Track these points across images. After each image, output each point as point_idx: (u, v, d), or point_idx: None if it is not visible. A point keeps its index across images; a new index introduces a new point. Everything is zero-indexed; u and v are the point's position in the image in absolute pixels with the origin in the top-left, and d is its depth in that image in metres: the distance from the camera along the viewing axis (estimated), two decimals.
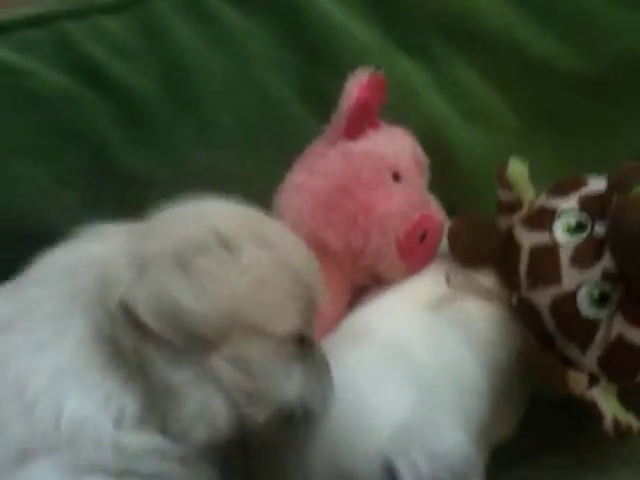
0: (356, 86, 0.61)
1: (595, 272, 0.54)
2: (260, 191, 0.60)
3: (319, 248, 0.59)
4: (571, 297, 0.55)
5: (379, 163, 0.62)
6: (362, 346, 0.54)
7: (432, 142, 0.68)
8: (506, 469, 0.57)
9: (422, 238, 0.61)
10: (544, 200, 0.59)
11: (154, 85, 0.68)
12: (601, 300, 0.54)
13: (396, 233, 0.61)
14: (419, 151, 0.66)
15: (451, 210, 0.66)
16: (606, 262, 0.54)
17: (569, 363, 0.58)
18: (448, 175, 0.70)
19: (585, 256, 0.55)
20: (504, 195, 0.61)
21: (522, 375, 0.59)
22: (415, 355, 0.54)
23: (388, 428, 0.48)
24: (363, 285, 0.63)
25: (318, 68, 0.70)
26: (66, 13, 0.68)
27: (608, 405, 0.55)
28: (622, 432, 0.54)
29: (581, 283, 0.54)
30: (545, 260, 0.56)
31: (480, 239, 0.61)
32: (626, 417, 0.55)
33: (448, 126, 0.73)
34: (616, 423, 0.54)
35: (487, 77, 0.74)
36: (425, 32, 0.73)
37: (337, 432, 0.49)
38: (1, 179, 0.66)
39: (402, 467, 0.45)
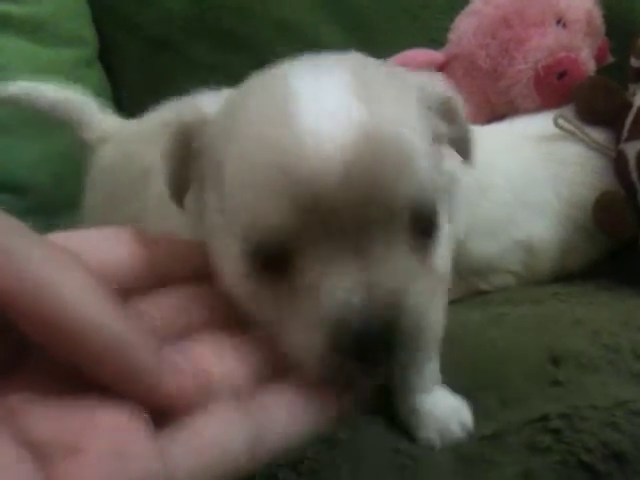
0: None
1: None
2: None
3: (470, 65, 0.72)
4: None
5: (546, 6, 0.71)
6: None
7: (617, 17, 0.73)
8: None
9: (561, 76, 0.69)
10: None
11: None
12: None
13: (537, 64, 0.70)
14: (596, 14, 0.73)
15: None
16: None
17: None
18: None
19: None
20: (634, 63, 0.66)
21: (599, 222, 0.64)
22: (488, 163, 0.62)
23: None
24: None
25: None
26: None
27: None
28: None
29: None
30: None
31: (602, 99, 0.67)
32: None
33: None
34: None
35: None
36: None
37: None
38: None
39: None
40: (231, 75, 0.87)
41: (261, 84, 0.32)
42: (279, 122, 0.29)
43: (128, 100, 0.84)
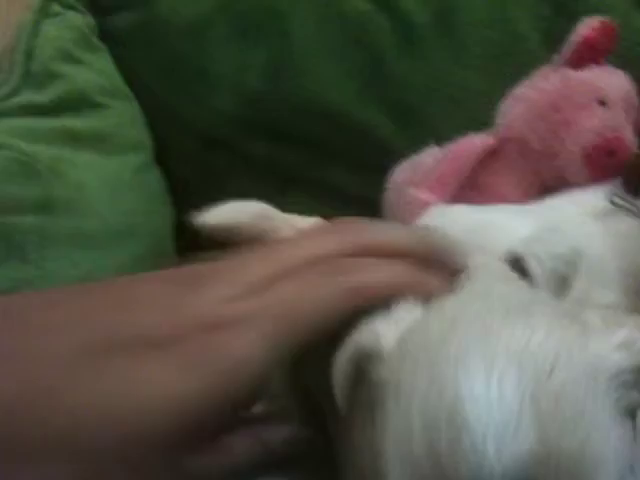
0: (586, 27, 0.76)
1: None
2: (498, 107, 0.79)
3: (522, 147, 0.77)
4: None
5: (590, 89, 0.76)
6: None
7: None
8: None
9: (610, 155, 0.75)
10: None
11: (427, 13, 0.87)
12: None
13: (588, 145, 0.75)
14: (632, 93, 0.78)
15: None
16: None
17: None
18: None
19: None
20: None
21: None
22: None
23: (517, 238, 0.58)
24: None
25: (562, 17, 0.83)
26: None
27: None
28: None
29: None
30: None
31: None
32: None
33: None
34: None
35: None
36: None
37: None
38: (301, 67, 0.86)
39: (530, 260, 0.53)
40: (287, 169, 0.91)
41: (432, 346, 0.31)
42: (444, 423, 0.28)
43: (184, 201, 0.86)
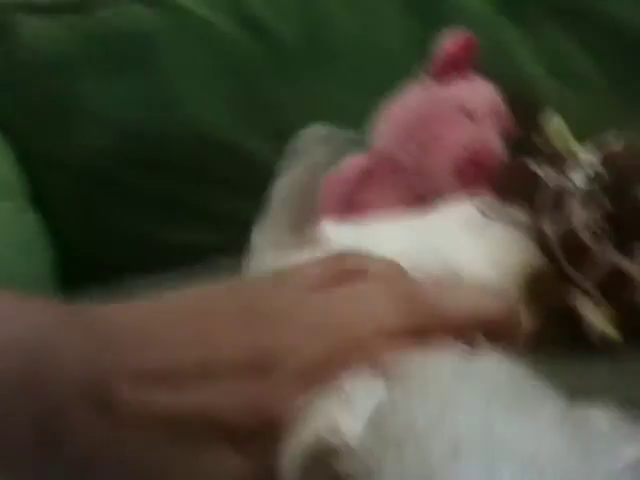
0: (448, 42, 0.77)
1: (597, 212, 0.65)
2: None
3: (395, 165, 0.77)
4: (576, 230, 0.65)
5: (456, 104, 0.77)
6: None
7: (523, 101, 0.79)
8: None
9: (479, 167, 0.76)
10: (579, 152, 0.72)
11: (297, 33, 0.87)
12: (601, 234, 0.65)
13: (457, 159, 0.76)
14: (498, 102, 0.79)
15: None
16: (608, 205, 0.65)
17: (572, 283, 0.67)
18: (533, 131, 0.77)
19: (592, 199, 0.66)
20: (541, 146, 0.74)
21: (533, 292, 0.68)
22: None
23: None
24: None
25: (431, 28, 0.82)
26: None
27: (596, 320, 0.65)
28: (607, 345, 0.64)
29: (587, 220, 0.65)
30: (560, 200, 0.68)
31: (520, 183, 0.72)
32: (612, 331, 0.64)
33: (540, 88, 0.84)
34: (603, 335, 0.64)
35: (585, 48, 0.83)
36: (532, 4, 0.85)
37: None
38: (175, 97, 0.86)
39: None
40: (169, 199, 0.90)
41: (416, 435, 0.27)
42: None
43: (64, 242, 0.85)
